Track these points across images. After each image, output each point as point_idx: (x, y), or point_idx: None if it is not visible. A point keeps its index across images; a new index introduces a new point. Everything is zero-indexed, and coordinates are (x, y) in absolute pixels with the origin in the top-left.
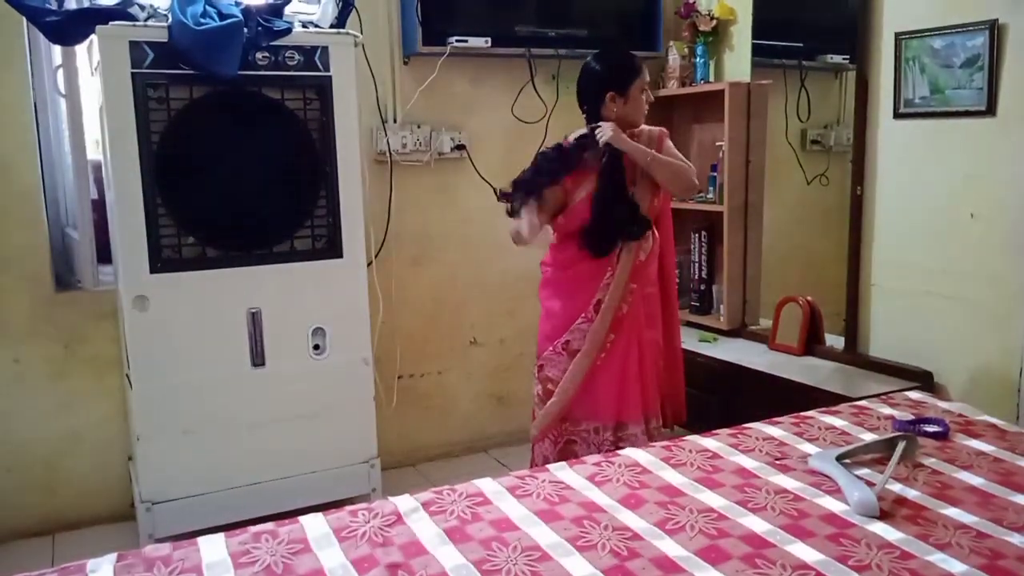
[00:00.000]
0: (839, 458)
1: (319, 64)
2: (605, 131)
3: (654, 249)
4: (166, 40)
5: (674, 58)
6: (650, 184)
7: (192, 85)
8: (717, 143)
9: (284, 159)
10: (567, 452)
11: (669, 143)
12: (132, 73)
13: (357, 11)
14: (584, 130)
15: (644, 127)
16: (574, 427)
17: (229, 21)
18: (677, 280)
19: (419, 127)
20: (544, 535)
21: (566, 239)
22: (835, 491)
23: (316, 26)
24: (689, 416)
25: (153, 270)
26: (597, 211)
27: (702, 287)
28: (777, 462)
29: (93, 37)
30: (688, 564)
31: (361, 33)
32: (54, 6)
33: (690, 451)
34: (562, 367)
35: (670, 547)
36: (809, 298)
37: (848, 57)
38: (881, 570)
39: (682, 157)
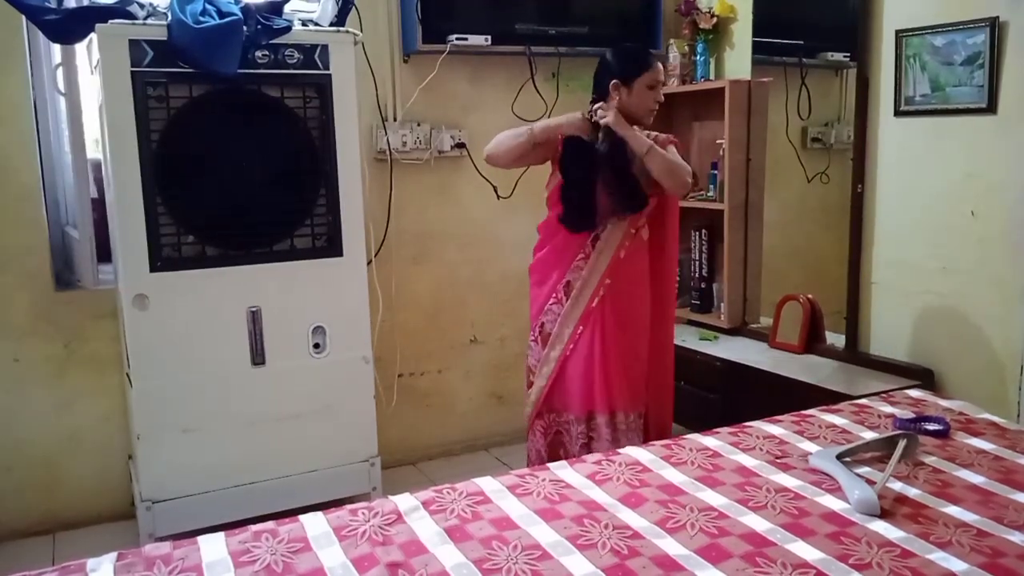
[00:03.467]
0: (840, 456)
1: (319, 62)
2: (608, 114)
3: (638, 248)
4: (165, 38)
5: (674, 56)
6: (646, 179)
7: (192, 84)
8: (717, 141)
9: (284, 157)
10: (556, 443)
11: (673, 148)
12: (132, 72)
13: (357, 9)
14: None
15: (653, 133)
16: (558, 418)
17: (228, 19)
18: (676, 285)
19: (419, 125)
20: (544, 534)
21: (551, 212)
22: (836, 489)
23: (316, 24)
24: (689, 415)
25: (153, 269)
26: (568, 180)
27: (703, 285)
28: (778, 460)
29: (93, 36)
30: (688, 563)
31: (361, 31)
32: (53, 4)
33: (690, 450)
34: (537, 355)
35: (671, 546)
36: (810, 296)
37: (849, 55)
38: (882, 569)
39: (682, 159)
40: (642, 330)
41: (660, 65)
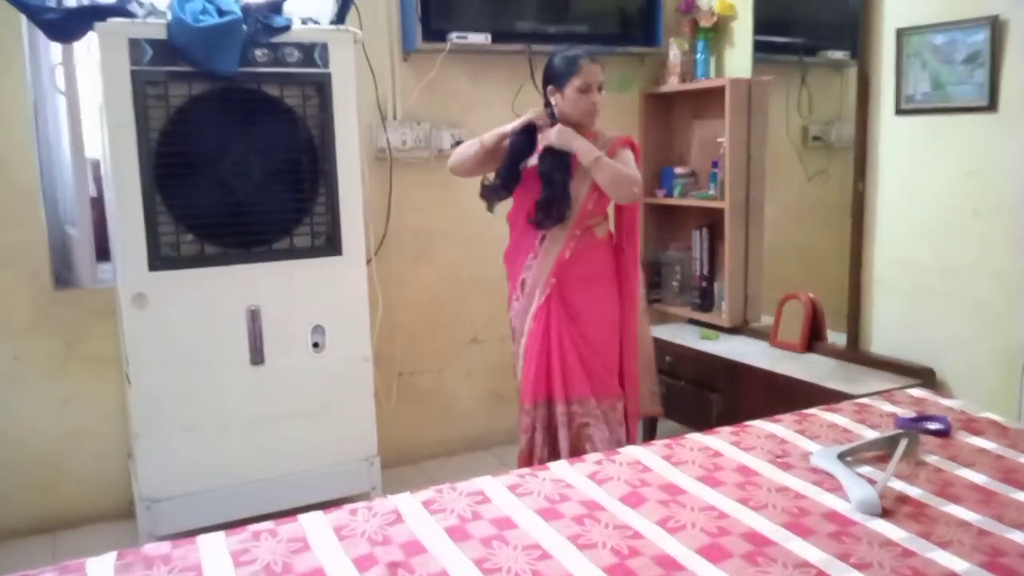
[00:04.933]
0: (841, 456)
1: (318, 61)
2: (550, 136)
3: (589, 247)
4: (165, 37)
5: (675, 54)
6: (591, 183)
7: (191, 82)
8: (718, 139)
9: (283, 156)
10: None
11: (626, 153)
12: (131, 70)
13: (357, 8)
14: (530, 116)
15: (607, 132)
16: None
17: (228, 18)
18: (637, 283)
19: (419, 124)
20: (545, 533)
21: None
22: (837, 489)
23: (315, 23)
24: (690, 414)
25: (152, 268)
26: (544, 182)
27: (704, 284)
28: (778, 460)
29: (92, 34)
30: (689, 562)
31: (361, 30)
32: (53, 3)
33: (691, 449)
34: (514, 350)
35: (671, 545)
36: (811, 295)
37: (849, 53)
38: (883, 568)
39: (633, 167)
40: (598, 324)
41: (593, 67)
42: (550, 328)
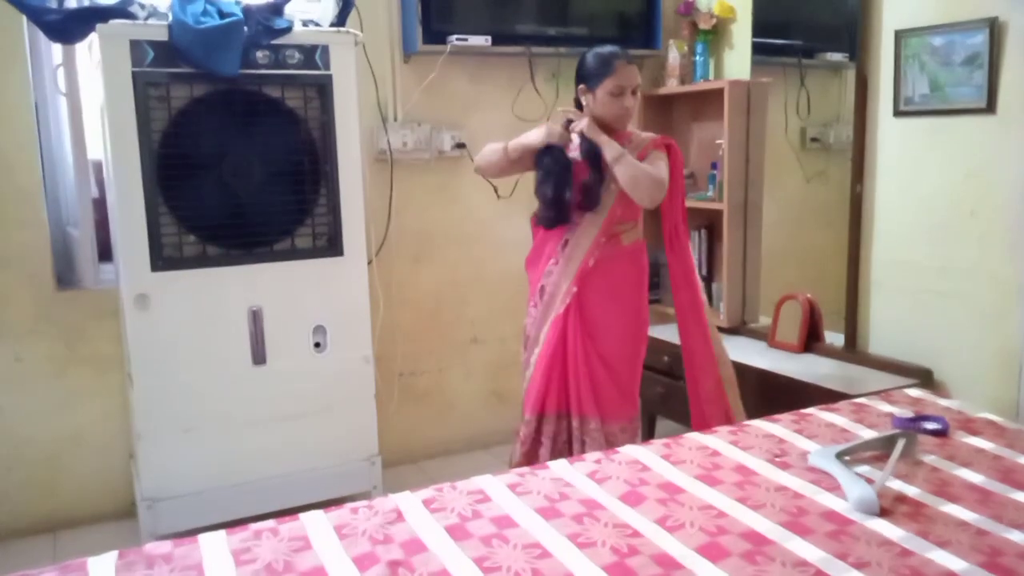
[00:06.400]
0: (839, 455)
1: (319, 63)
2: (581, 123)
3: (613, 256)
4: (166, 39)
5: (674, 56)
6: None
7: (193, 84)
8: (717, 141)
9: (285, 157)
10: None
11: (658, 154)
12: (133, 72)
13: (357, 10)
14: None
15: (642, 133)
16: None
17: (229, 20)
18: (698, 291)
19: (419, 125)
20: (544, 532)
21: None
22: (835, 488)
23: (316, 25)
24: (688, 413)
25: (154, 268)
26: (541, 178)
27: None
28: (777, 459)
29: (93, 36)
30: (688, 561)
31: (361, 32)
32: (54, 4)
33: (690, 448)
34: (525, 359)
35: (670, 544)
36: (809, 296)
37: (848, 55)
38: (881, 567)
39: (661, 170)
40: (617, 341)
41: (627, 69)
42: (566, 340)
